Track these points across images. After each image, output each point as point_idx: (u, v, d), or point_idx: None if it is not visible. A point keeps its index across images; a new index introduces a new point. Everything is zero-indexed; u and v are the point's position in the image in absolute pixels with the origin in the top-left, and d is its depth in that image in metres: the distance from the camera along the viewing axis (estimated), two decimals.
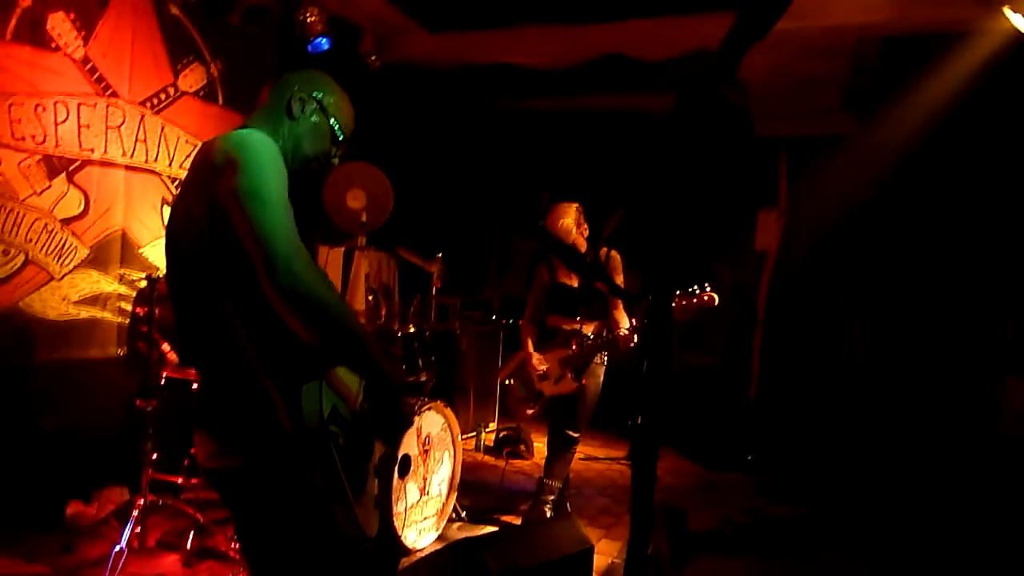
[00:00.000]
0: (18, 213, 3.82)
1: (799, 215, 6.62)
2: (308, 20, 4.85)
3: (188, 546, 3.55)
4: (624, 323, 4.10)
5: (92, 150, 4.14)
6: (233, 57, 4.90)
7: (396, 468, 3.65)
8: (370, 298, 4.16)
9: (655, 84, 5.74)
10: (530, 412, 4.36)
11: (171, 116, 4.56)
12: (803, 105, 5.93)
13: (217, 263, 1.66)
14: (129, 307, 4.30)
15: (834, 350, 6.69)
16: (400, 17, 5.45)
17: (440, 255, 4.53)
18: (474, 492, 4.87)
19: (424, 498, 3.96)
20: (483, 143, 7.74)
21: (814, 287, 6.68)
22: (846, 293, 6.71)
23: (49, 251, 3.98)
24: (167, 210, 4.53)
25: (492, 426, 6.77)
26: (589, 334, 4.17)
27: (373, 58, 5.47)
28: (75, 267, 4.12)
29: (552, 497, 4.27)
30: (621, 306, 4.16)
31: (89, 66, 4.08)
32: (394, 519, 3.66)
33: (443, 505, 4.13)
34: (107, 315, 4.29)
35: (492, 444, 6.33)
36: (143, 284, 3.69)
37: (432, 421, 4.04)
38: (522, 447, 6.05)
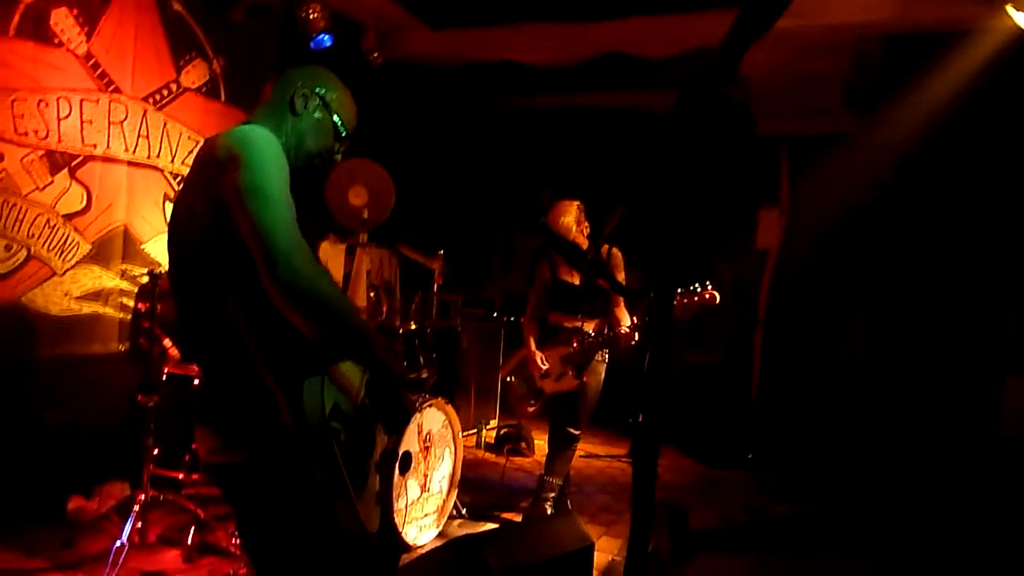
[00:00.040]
0: (21, 208, 3.82)
1: (800, 214, 6.61)
2: (310, 17, 4.85)
3: (189, 542, 3.57)
4: (625, 321, 4.10)
5: (95, 146, 4.14)
6: (235, 53, 4.90)
7: (397, 465, 3.66)
8: (372, 295, 4.16)
9: (656, 82, 5.74)
10: (531, 409, 4.36)
11: (173, 112, 4.56)
12: (805, 103, 5.92)
13: (219, 259, 1.66)
14: (131, 303, 4.31)
15: (835, 349, 6.69)
16: (402, 14, 5.45)
17: (442, 252, 4.54)
18: (475, 489, 4.87)
19: (425, 495, 3.97)
20: (485, 140, 7.74)
21: (815, 286, 6.67)
22: (847, 292, 6.71)
23: (51, 246, 3.99)
24: (169, 206, 4.53)
25: (493, 423, 6.77)
26: (590, 331, 4.17)
27: (375, 55, 5.47)
28: (77, 263, 4.13)
29: (553, 494, 4.27)
30: (622, 303, 4.16)
31: (92, 62, 4.08)
32: (395, 516, 3.66)
33: (444, 502, 4.14)
34: (109, 311, 4.29)
35: (493, 441, 6.33)
36: (145, 280, 3.70)
37: (433, 418, 4.04)
38: (523, 444, 6.05)
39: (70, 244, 4.08)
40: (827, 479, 5.65)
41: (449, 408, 4.12)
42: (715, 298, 3.84)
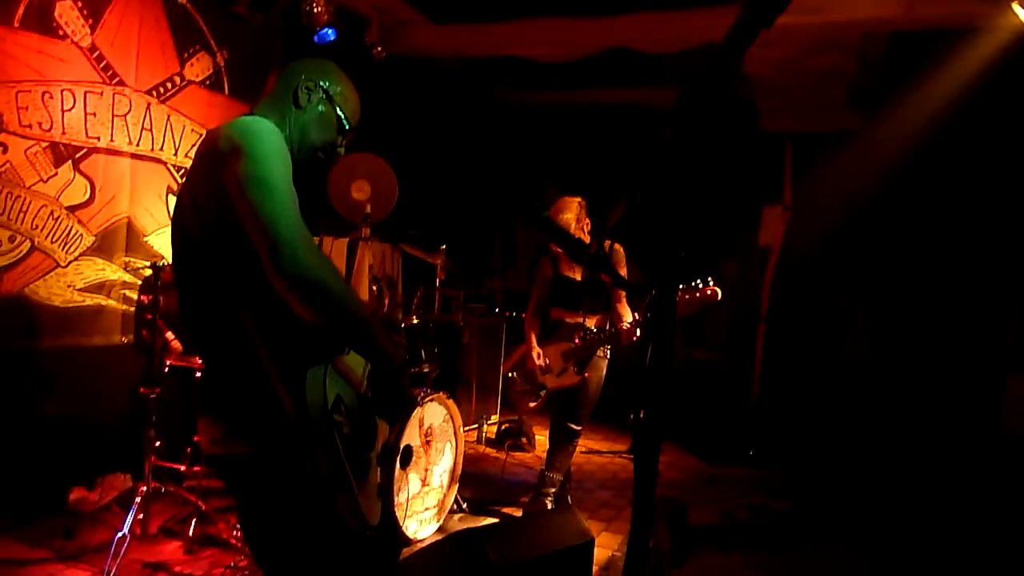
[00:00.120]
0: (25, 200, 3.83)
1: (804, 211, 6.60)
2: (314, 10, 4.84)
3: (190, 533, 3.58)
4: (627, 316, 4.10)
5: (98, 138, 4.15)
6: (239, 47, 4.90)
7: (398, 458, 3.66)
8: (374, 288, 4.16)
9: (659, 78, 5.74)
10: (532, 405, 4.36)
11: (177, 105, 4.56)
12: (809, 100, 5.91)
13: (222, 250, 1.66)
14: (134, 295, 4.31)
15: (837, 346, 6.69)
16: (406, 8, 5.44)
17: (444, 247, 4.54)
18: (475, 484, 4.88)
19: (425, 489, 3.98)
20: (488, 136, 7.73)
21: (818, 283, 6.67)
22: (850, 289, 6.71)
23: (55, 238, 3.99)
24: (172, 199, 4.54)
25: (494, 418, 6.78)
26: (592, 327, 4.17)
27: (379, 49, 5.46)
28: (80, 254, 4.13)
29: (553, 490, 4.28)
30: (624, 299, 4.16)
31: (96, 54, 4.08)
32: (396, 509, 3.67)
33: (444, 496, 4.14)
34: (112, 302, 4.30)
35: (494, 436, 6.34)
36: (148, 272, 3.71)
37: (434, 412, 4.05)
38: (524, 440, 6.06)
39: (73, 236, 4.08)
40: (828, 476, 5.65)
41: (450, 403, 4.13)
42: (717, 294, 3.84)
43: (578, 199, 4.20)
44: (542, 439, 5.84)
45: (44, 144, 3.89)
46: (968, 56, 4.76)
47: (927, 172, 5.82)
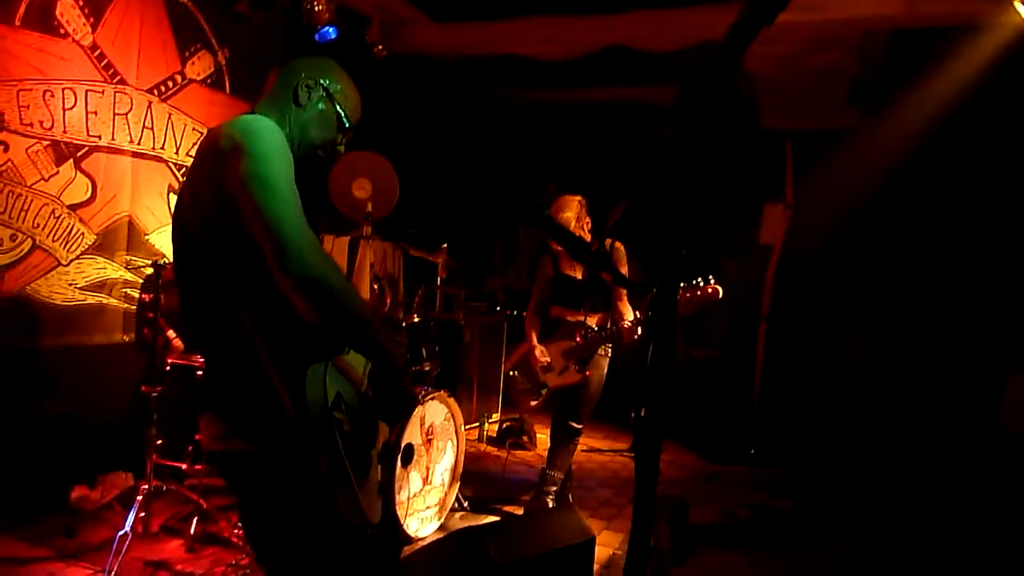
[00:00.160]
0: (26, 198, 3.83)
1: (805, 209, 6.60)
2: (315, 9, 4.84)
3: (192, 532, 3.58)
4: (628, 315, 4.09)
5: (99, 136, 4.15)
6: (240, 45, 4.90)
7: (399, 457, 3.66)
8: (375, 286, 4.17)
9: (659, 76, 5.73)
10: (533, 404, 4.36)
11: (178, 103, 4.56)
12: (810, 98, 5.91)
13: (223, 248, 1.66)
14: (135, 293, 4.31)
15: (838, 345, 6.69)
16: (406, 6, 5.44)
17: (445, 246, 4.54)
18: (476, 482, 4.88)
19: (427, 487, 3.98)
20: (488, 134, 7.73)
21: (819, 282, 6.67)
22: (851, 288, 6.70)
23: (56, 236, 3.99)
24: (173, 197, 4.54)
25: (495, 417, 6.78)
26: (593, 325, 4.17)
27: (379, 47, 5.46)
28: (82, 253, 4.13)
29: (554, 488, 4.28)
30: (625, 298, 4.16)
31: (97, 53, 4.08)
32: (397, 508, 3.67)
33: (445, 495, 4.15)
34: (113, 301, 4.30)
35: (495, 435, 6.34)
36: (149, 271, 3.71)
37: (435, 411, 4.05)
38: (525, 438, 6.06)
39: (75, 234, 4.08)
40: (829, 475, 5.66)
41: (451, 401, 4.13)
42: (718, 293, 3.84)
43: (579, 197, 4.19)
44: (543, 437, 5.84)
45: (45, 143, 3.89)
46: (969, 54, 4.76)
47: (928, 170, 5.82)
